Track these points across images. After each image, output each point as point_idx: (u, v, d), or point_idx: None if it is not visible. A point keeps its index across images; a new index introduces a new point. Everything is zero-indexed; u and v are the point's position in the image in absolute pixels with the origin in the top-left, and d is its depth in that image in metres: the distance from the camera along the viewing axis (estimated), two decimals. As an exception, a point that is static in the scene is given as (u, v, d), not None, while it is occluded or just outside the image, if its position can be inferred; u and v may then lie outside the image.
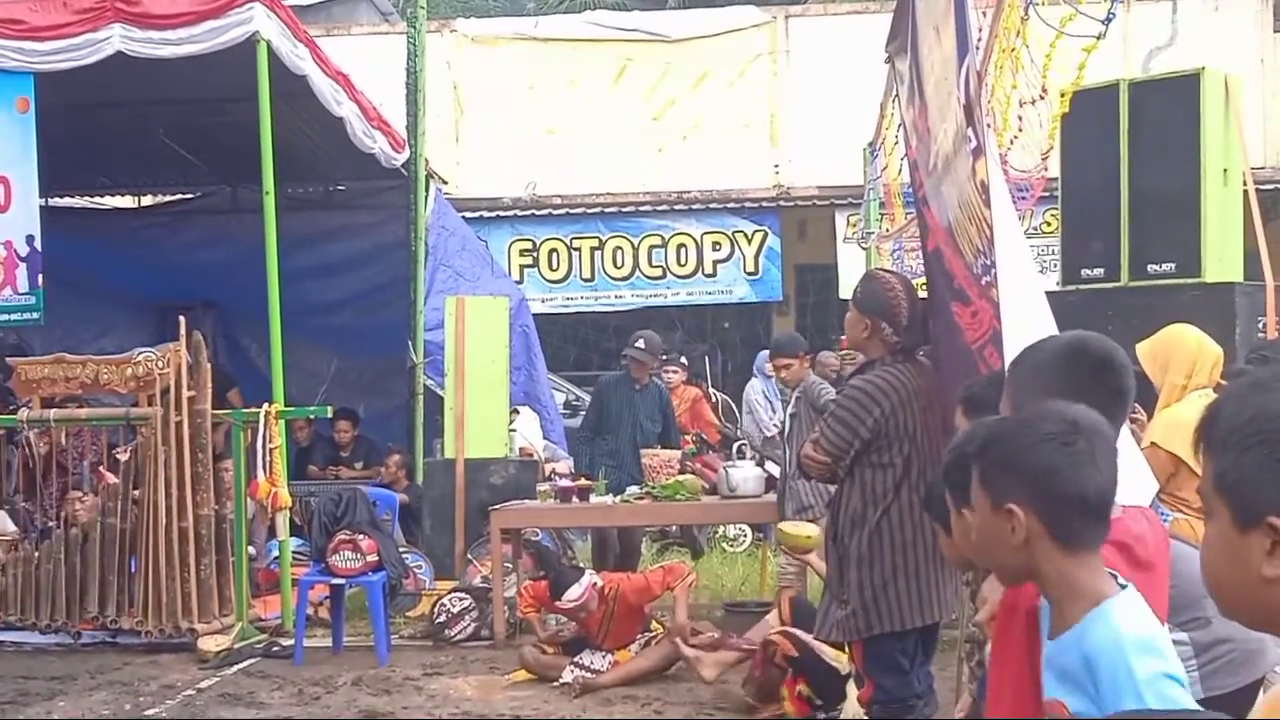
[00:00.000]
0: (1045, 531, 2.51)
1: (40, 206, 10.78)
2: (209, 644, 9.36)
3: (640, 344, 11.10)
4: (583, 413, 13.52)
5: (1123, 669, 2.37)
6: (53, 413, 10.49)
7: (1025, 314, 3.86)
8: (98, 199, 17.09)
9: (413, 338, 12.95)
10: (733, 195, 18.96)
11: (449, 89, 18.64)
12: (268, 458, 9.78)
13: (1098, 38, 3.98)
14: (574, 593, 8.34)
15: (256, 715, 7.72)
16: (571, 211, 19.19)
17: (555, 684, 8.26)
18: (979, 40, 4.39)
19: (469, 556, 10.85)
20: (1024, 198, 4.93)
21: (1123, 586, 2.52)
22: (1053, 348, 3.13)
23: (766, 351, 12.07)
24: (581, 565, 9.71)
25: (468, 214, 16.36)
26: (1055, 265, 9.36)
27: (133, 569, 9.79)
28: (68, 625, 9.85)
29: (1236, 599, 1.82)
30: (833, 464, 5.55)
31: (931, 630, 5.64)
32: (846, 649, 6.04)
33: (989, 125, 4.24)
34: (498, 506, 10.09)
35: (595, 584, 8.45)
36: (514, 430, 12.00)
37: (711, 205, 19.01)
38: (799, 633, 7.44)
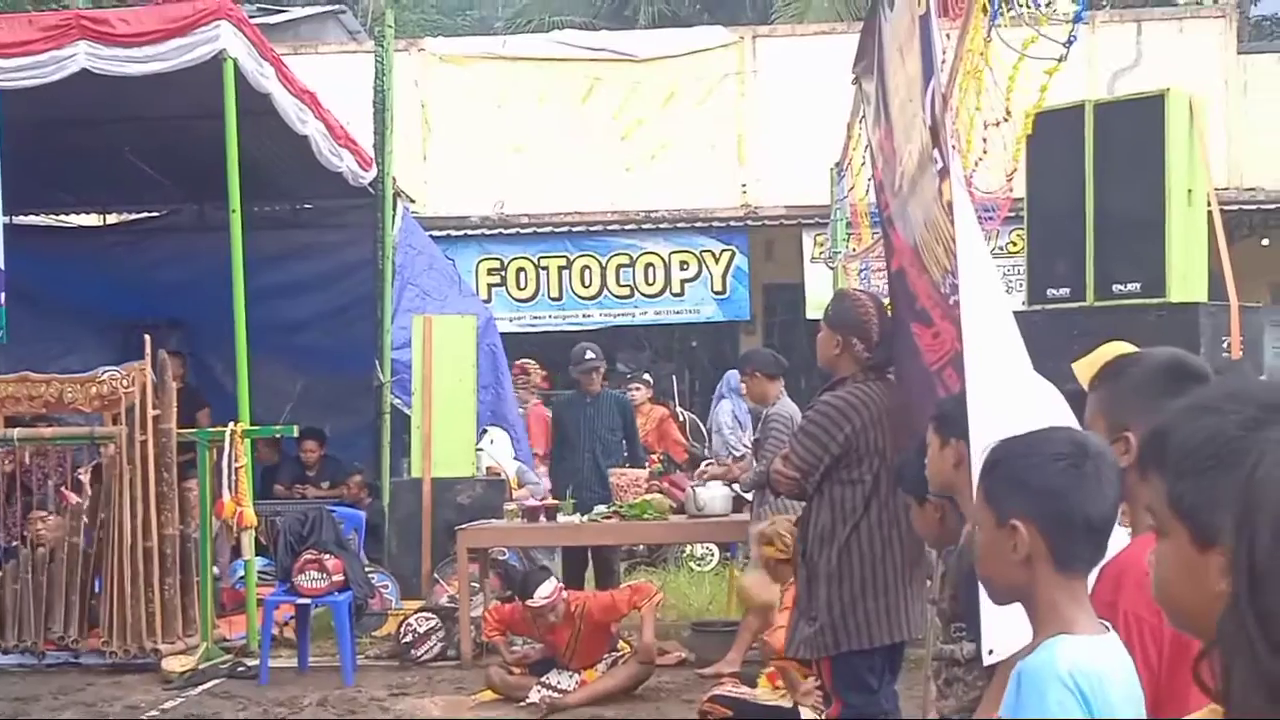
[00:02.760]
0: (1046, 551, 2.53)
1: (4, 224, 10.71)
2: (173, 664, 9.31)
3: (589, 355, 11.07)
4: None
5: (1036, 695, 2.40)
6: (16, 432, 10.43)
7: (989, 334, 3.88)
8: (63, 217, 17.00)
9: (379, 357, 12.91)
10: (700, 215, 18.97)
11: (417, 107, 18.61)
12: (233, 477, 9.75)
13: (1059, 60, 4.00)
14: (545, 589, 8.33)
15: (221, 736, 7.68)
16: (539, 231, 19.17)
17: (522, 704, 8.25)
18: (943, 62, 4.42)
19: (435, 576, 10.82)
20: (990, 218, 4.95)
21: (1106, 628, 2.55)
22: (1151, 365, 3.18)
23: (735, 371, 12.08)
24: (548, 565, 9.72)
25: (435, 233, 16.33)
26: (1021, 285, 9.39)
27: (97, 589, 9.73)
28: (32, 646, 9.78)
29: (1193, 613, 1.84)
30: (802, 479, 5.56)
31: (898, 649, 5.65)
32: (812, 668, 6.04)
33: (954, 147, 4.26)
34: (465, 526, 10.07)
35: (562, 588, 8.46)
36: (481, 450, 11.98)
37: (679, 225, 19.01)
38: (728, 690, 7.46)
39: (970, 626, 3.77)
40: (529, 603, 8.39)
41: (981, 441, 3.24)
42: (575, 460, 10.98)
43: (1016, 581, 2.59)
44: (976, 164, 4.92)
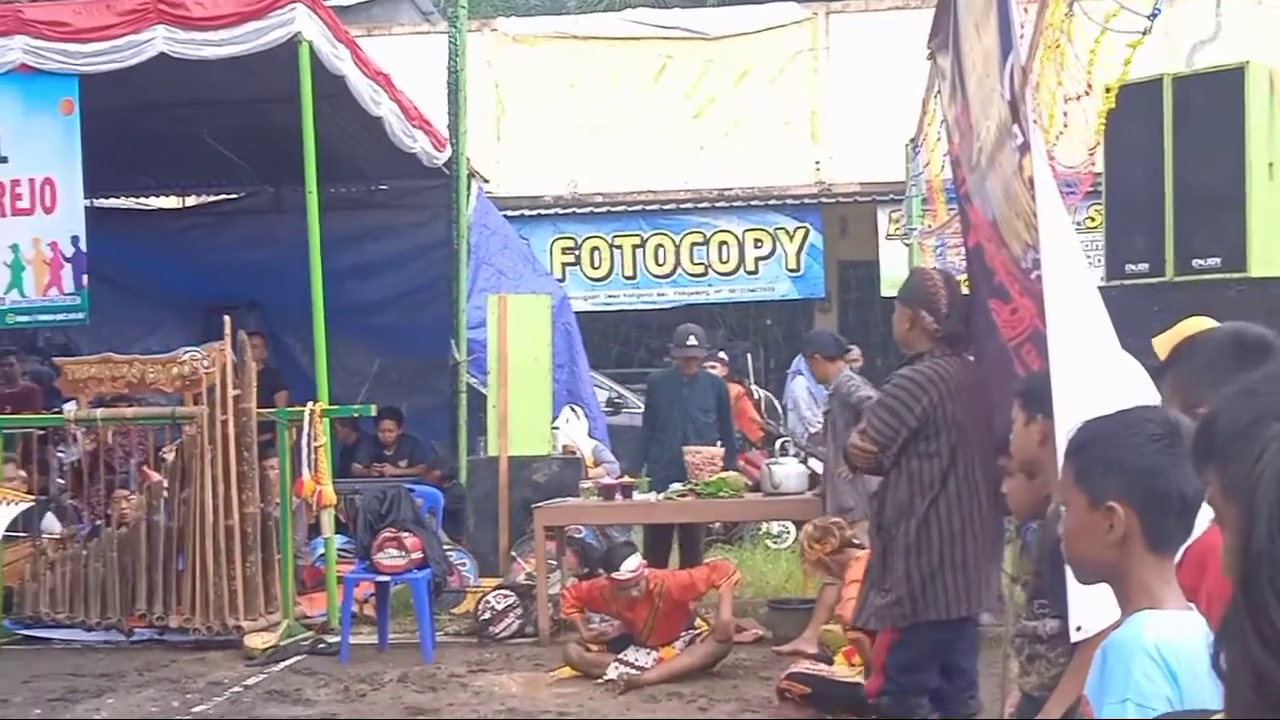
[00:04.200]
0: (1140, 531, 2.52)
1: (85, 208, 10.87)
2: (255, 641, 9.42)
3: (691, 341, 11.03)
4: (626, 410, 13.54)
5: (1121, 669, 2.38)
6: (99, 412, 10.58)
7: (1073, 310, 3.84)
8: (142, 200, 17.20)
9: (455, 336, 12.98)
10: (774, 192, 18.91)
11: (490, 88, 18.67)
12: (312, 456, 9.84)
13: (1143, 33, 3.95)
14: (631, 563, 8.36)
15: (303, 713, 7.76)
16: (613, 209, 19.18)
17: (600, 681, 8.28)
18: (1021, 36, 4.38)
19: (513, 554, 10.88)
20: (1071, 193, 4.90)
21: (1190, 608, 2.54)
22: (1215, 341, 3.17)
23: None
24: (632, 541, 9.73)
25: (509, 212, 16.38)
26: (1099, 260, 9.30)
27: (180, 567, 9.85)
28: (116, 623, 9.93)
29: None
30: (879, 453, 5.56)
31: (970, 624, 5.64)
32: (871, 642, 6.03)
33: (1035, 121, 4.22)
34: (541, 504, 10.12)
35: (645, 563, 8.49)
36: (557, 428, 12.02)
37: (753, 202, 18.97)
38: (805, 667, 7.47)
39: (1054, 603, 3.75)
40: (614, 576, 8.41)
41: (1067, 419, 3.22)
42: (667, 439, 10.93)
43: (1108, 562, 2.57)
44: (1057, 138, 4.88)
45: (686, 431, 10.79)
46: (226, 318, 10.21)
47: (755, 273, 19.11)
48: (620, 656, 8.41)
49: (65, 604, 10.05)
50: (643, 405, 11.93)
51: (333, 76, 10.75)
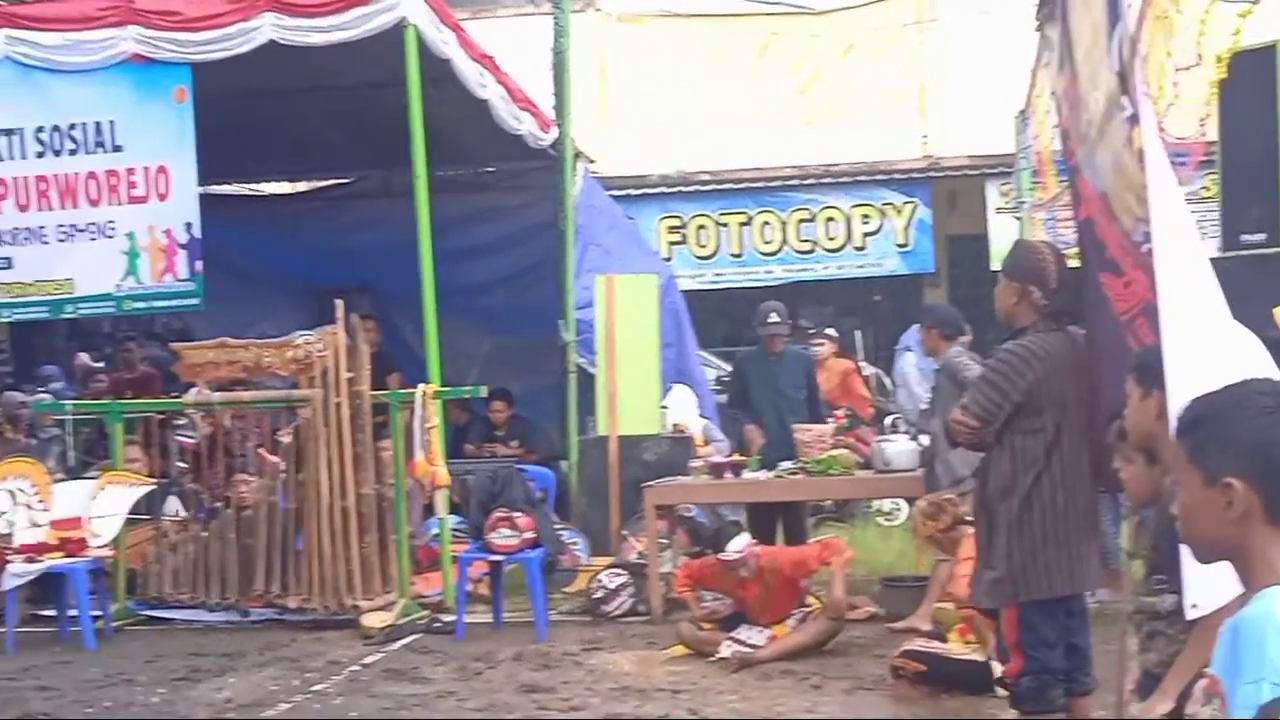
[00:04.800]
0: (1261, 506, 2.47)
1: (199, 194, 11.04)
2: (373, 620, 9.55)
3: (773, 318, 10.97)
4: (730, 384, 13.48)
5: (1255, 648, 2.33)
6: (217, 396, 10.76)
7: (1185, 283, 3.79)
8: (255, 186, 17.43)
9: (563, 316, 13.04)
10: (881, 167, 18.79)
11: (595, 68, 18.70)
12: (425, 437, 9.94)
13: (1254, 1, 3.89)
14: (738, 543, 8.37)
15: (420, 690, 7.85)
16: (719, 188, 19.16)
17: (713, 659, 8.29)
18: (1129, 6, 4.32)
19: (624, 533, 10.93)
20: (1183, 164, 4.83)
21: None
22: None
23: (918, 325, 11.94)
24: (739, 520, 9.73)
25: (615, 192, 16.41)
26: (1215, 231, 9.15)
27: (298, 548, 10.00)
28: (236, 603, 10.11)
29: None
30: (982, 429, 5.49)
31: (1077, 602, 5.57)
32: (997, 621, 5.97)
33: (1144, 92, 4.17)
34: (651, 483, 10.15)
35: (754, 542, 8.48)
36: (666, 407, 12.03)
37: (860, 178, 18.87)
38: (919, 644, 7.43)
39: (1171, 578, 3.70)
40: (721, 556, 8.43)
41: (1180, 393, 3.18)
42: (759, 417, 10.90)
43: (1227, 539, 2.52)
44: (1167, 109, 4.81)
45: (779, 409, 10.72)
46: (339, 301, 10.33)
47: (863, 249, 19.02)
48: (733, 635, 8.42)
49: (187, 585, 10.25)
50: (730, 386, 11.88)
51: (439, 60, 10.83)
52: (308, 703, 7.66)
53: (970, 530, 7.40)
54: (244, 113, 12.72)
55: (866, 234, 18.99)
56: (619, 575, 9.90)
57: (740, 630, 8.45)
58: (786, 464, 10.13)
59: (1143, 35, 4.32)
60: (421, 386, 10.12)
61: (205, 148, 10.84)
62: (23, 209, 11.00)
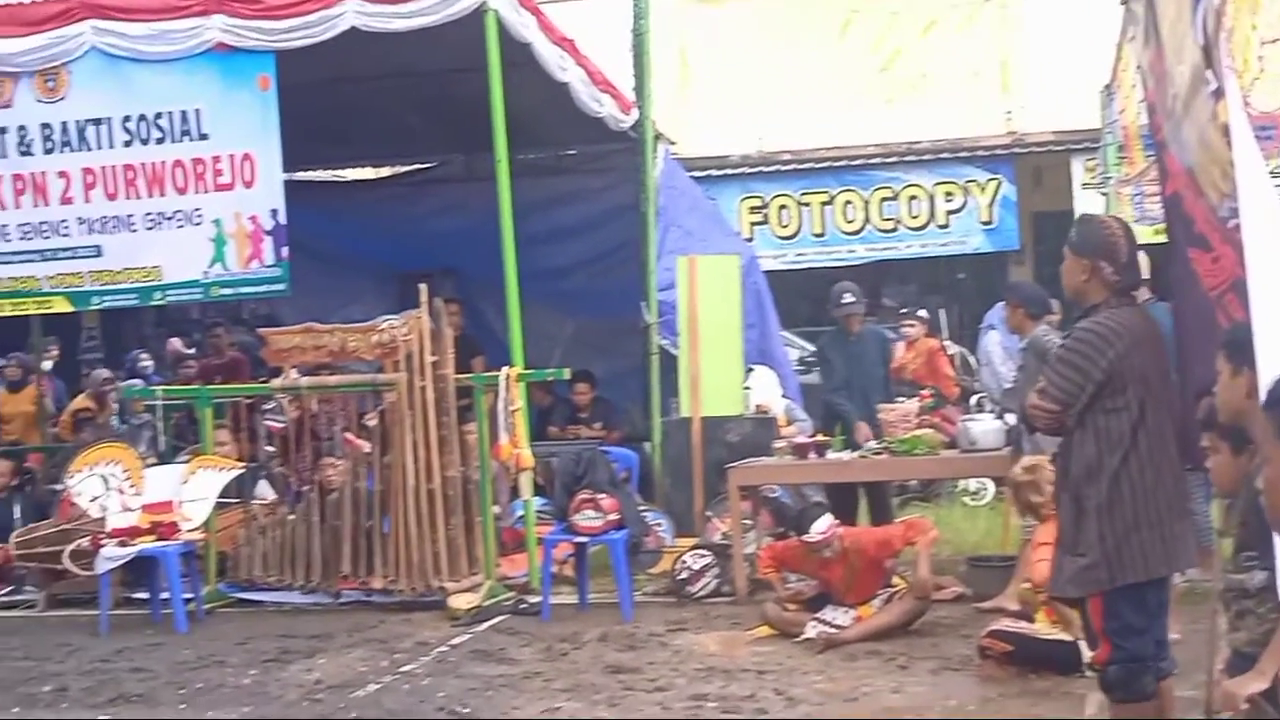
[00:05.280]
0: None
1: (284, 181, 11.13)
2: (459, 602, 9.61)
3: (847, 298, 10.92)
4: (818, 369, 13.45)
5: None
6: (304, 380, 10.86)
7: (1273, 259, 3.73)
8: (339, 172, 17.57)
9: (645, 298, 13.04)
10: (964, 144, 18.66)
11: (675, 49, 18.67)
12: (509, 420, 9.99)
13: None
14: (821, 524, 8.34)
15: (507, 670, 7.90)
16: (800, 167, 19.09)
17: (798, 639, 8.28)
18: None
19: (708, 514, 10.92)
20: (1268, 138, 4.76)
21: None
22: None
23: (1003, 303, 11.83)
24: (823, 501, 9.68)
25: (696, 173, 16.40)
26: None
27: (384, 530, 10.09)
28: (325, 585, 10.21)
29: None
30: (1062, 412, 5.38)
31: (1167, 584, 5.48)
32: (1079, 608, 5.88)
33: (1229, 66, 4.10)
34: (735, 464, 10.14)
35: (837, 523, 8.44)
36: (749, 388, 12.01)
37: (943, 155, 18.74)
38: (1006, 624, 7.37)
39: (1262, 555, 3.65)
40: (805, 538, 8.41)
41: (1270, 370, 3.13)
42: (846, 397, 10.86)
43: None
44: (1253, 83, 4.74)
45: (864, 389, 10.68)
46: (422, 286, 10.39)
47: (947, 227, 18.90)
48: (818, 615, 8.40)
49: (276, 568, 10.36)
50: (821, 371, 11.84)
51: (519, 44, 10.85)
52: (396, 683, 7.72)
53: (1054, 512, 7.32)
54: (327, 99, 12.82)
55: (950, 212, 18.86)
56: (703, 556, 9.90)
57: (826, 611, 8.43)
58: (872, 444, 10.09)
59: (1228, 8, 4.26)
60: (505, 369, 10.17)
61: (289, 135, 10.93)
62: (111, 198, 11.14)
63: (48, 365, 16.46)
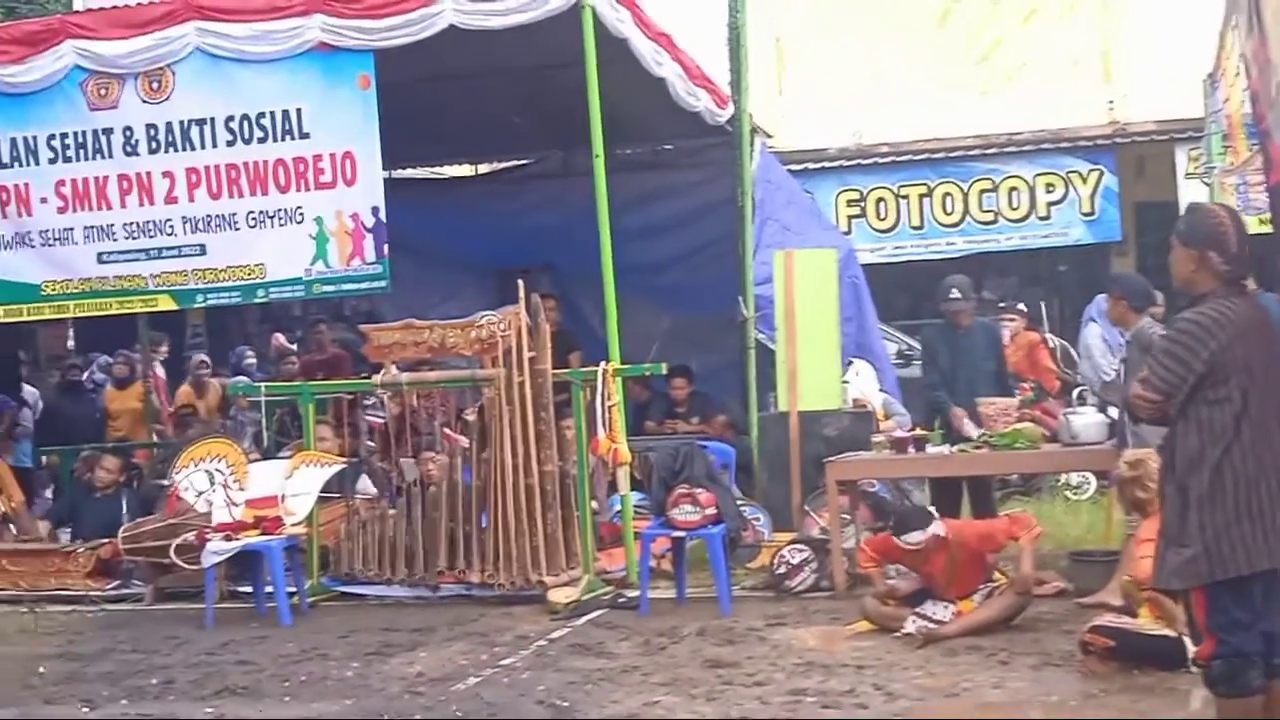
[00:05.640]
0: None
1: (384, 179, 11.24)
2: (558, 596, 9.65)
3: (955, 293, 10.79)
4: (916, 362, 13.39)
5: None
6: (404, 376, 10.95)
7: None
8: (437, 169, 17.69)
9: (742, 293, 13.02)
10: (1065, 134, 18.45)
11: (771, 41, 18.62)
12: (607, 415, 10.01)
13: None
14: (915, 537, 8.28)
15: (606, 664, 7.92)
16: (898, 159, 18.98)
17: (898, 635, 8.23)
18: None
19: (806, 508, 10.89)
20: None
21: None
22: None
23: (1104, 296, 11.67)
24: (933, 511, 9.58)
25: (793, 166, 16.35)
26: None
27: (484, 524, 10.15)
28: (425, 579, 10.30)
29: None
30: (1164, 403, 5.33)
31: (1275, 577, 5.39)
32: (1183, 602, 5.80)
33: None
34: (833, 458, 10.10)
35: (939, 535, 8.34)
36: (846, 382, 11.96)
37: (1044, 146, 18.55)
38: (1109, 619, 7.28)
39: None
40: (900, 543, 8.37)
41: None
42: (952, 392, 10.69)
43: None
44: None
45: (973, 383, 10.54)
46: (520, 281, 10.45)
47: (1047, 218, 18.71)
48: (918, 610, 8.35)
49: (377, 562, 10.46)
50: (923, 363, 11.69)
51: (615, 39, 10.88)
52: (496, 676, 7.77)
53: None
54: (425, 97, 12.92)
55: (1050, 203, 18.67)
56: (801, 550, 9.87)
57: (926, 605, 8.37)
58: (974, 431, 9.97)
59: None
60: (602, 364, 10.20)
61: (389, 133, 11.03)
62: (214, 197, 11.30)
63: (160, 362, 16.74)
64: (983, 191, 18.76)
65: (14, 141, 11.62)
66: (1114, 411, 9.92)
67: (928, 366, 11.31)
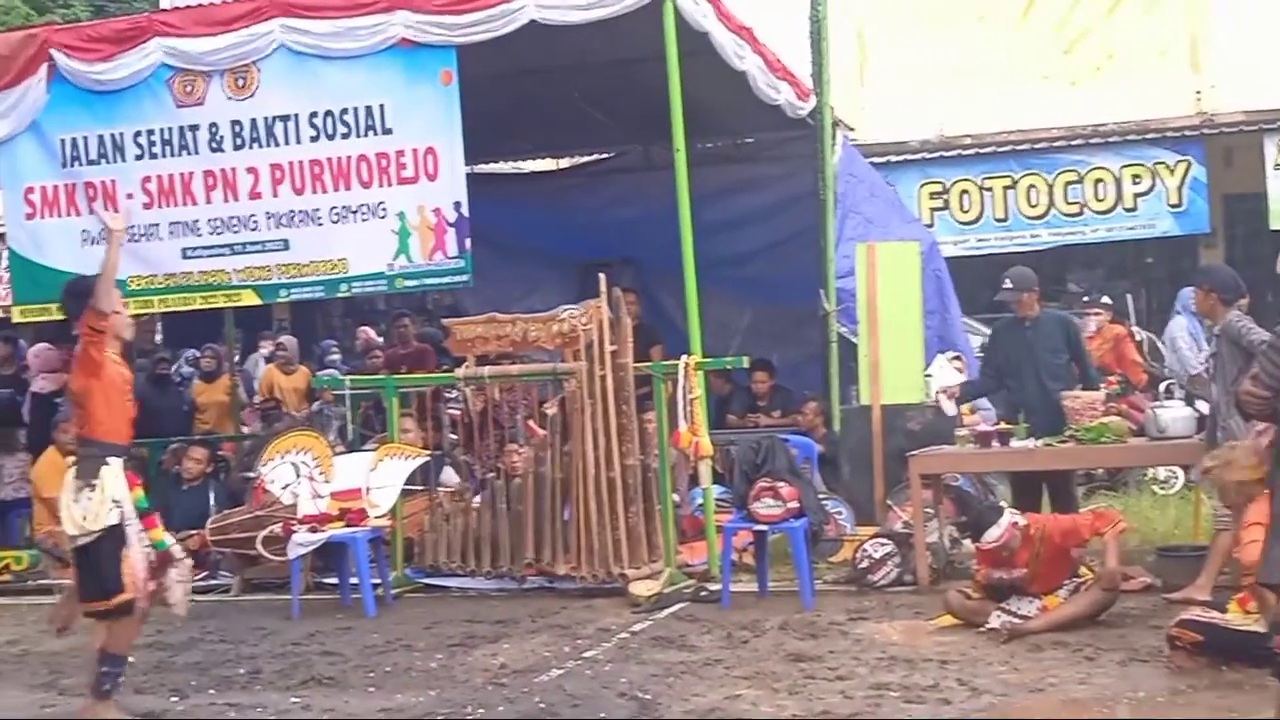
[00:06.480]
0: None
1: (466, 174, 11.29)
2: (640, 589, 9.67)
3: (1006, 284, 10.61)
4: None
5: None
6: (487, 370, 11.00)
7: None
8: (518, 163, 17.76)
9: (824, 286, 12.98)
10: (1152, 125, 18.21)
11: (852, 33, 18.52)
12: (688, 408, 10.02)
13: None
14: (993, 534, 8.22)
15: (688, 657, 7.92)
16: (982, 151, 18.81)
17: (982, 630, 8.18)
18: None
19: (889, 502, 10.84)
20: None
21: None
22: None
23: (1190, 288, 11.51)
24: (1002, 505, 9.48)
25: (875, 159, 16.24)
26: None
27: (566, 517, 10.19)
28: (508, 571, 10.34)
29: None
30: (1274, 398, 5.27)
31: None
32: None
33: None
34: (916, 452, 10.05)
35: (1016, 522, 8.27)
36: (929, 376, 11.89)
37: (1130, 137, 18.31)
38: (1197, 614, 7.19)
39: None
40: (979, 545, 8.31)
41: None
42: (1018, 385, 10.57)
43: None
44: None
45: (1040, 374, 10.37)
46: (602, 275, 10.47)
47: (1134, 210, 18.47)
48: (1003, 605, 8.28)
49: (461, 554, 10.52)
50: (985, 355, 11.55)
51: (696, 33, 10.87)
52: (579, 669, 7.80)
53: (1263, 492, 7.10)
54: (507, 92, 12.97)
55: (1137, 194, 18.43)
56: (884, 545, 9.83)
57: (1011, 600, 8.31)
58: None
59: None
60: (684, 357, 10.21)
61: (470, 127, 11.07)
62: (298, 192, 11.40)
63: (264, 353, 16.92)
64: (1068, 183, 18.56)
65: (102, 139, 11.78)
66: (1202, 405, 9.80)
67: (983, 360, 11.24)
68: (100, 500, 6.85)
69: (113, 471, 6.93)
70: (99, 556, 6.87)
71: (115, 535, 6.87)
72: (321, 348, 18.00)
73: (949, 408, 10.49)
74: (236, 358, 16.91)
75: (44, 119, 11.85)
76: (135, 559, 6.95)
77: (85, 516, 6.85)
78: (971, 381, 11.17)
